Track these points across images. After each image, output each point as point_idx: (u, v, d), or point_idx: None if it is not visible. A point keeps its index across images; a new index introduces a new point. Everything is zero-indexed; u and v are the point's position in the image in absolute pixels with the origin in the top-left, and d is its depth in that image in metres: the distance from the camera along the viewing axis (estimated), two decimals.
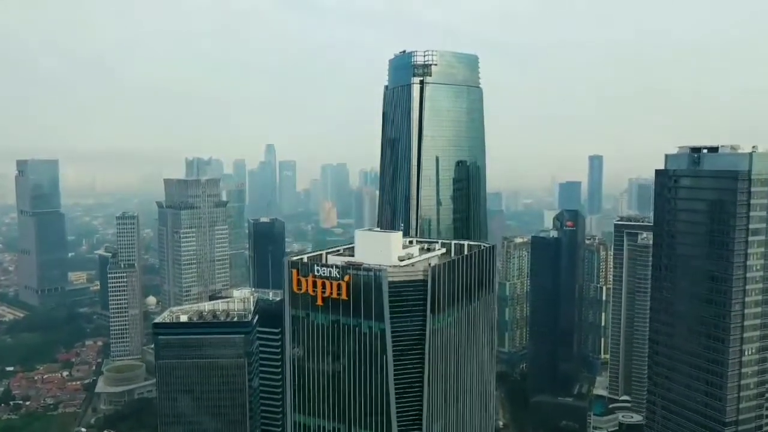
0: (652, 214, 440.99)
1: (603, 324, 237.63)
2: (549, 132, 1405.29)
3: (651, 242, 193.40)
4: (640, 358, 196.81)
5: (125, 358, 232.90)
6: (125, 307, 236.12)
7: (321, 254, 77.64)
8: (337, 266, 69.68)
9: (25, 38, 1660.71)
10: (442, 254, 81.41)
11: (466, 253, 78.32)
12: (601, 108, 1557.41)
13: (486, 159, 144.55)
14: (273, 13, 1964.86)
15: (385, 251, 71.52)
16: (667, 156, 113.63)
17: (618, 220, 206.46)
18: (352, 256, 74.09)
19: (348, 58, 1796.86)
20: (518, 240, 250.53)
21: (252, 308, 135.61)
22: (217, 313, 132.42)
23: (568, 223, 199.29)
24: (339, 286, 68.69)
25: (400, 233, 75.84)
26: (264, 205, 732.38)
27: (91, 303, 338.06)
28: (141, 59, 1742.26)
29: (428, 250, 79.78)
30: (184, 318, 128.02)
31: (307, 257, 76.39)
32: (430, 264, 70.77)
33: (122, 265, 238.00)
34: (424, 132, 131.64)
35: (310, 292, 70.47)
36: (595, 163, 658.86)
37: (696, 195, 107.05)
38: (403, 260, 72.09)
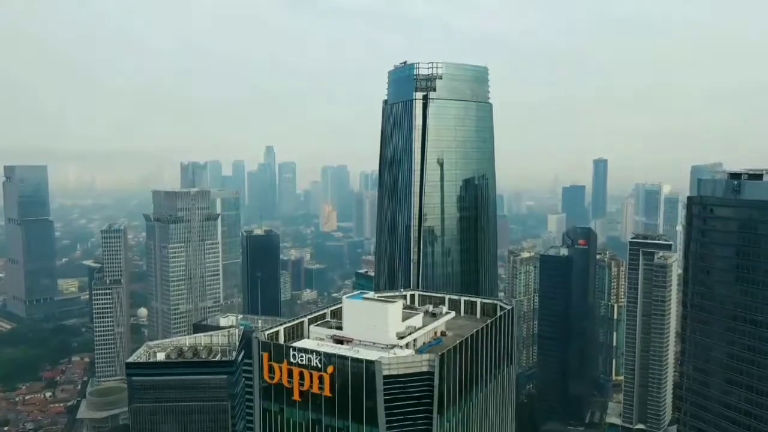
0: (660, 222, 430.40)
1: (614, 344, 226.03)
2: (552, 134, 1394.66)
3: (667, 262, 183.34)
4: (655, 385, 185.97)
5: (110, 379, 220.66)
6: (110, 325, 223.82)
7: (302, 322, 64.07)
8: (317, 352, 54.49)
9: (25, 37, 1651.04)
10: (451, 319, 67.90)
11: (478, 316, 65.43)
12: (604, 110, 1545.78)
13: (496, 179, 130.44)
14: (273, 13, 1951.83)
15: (381, 326, 57.55)
16: (700, 181, 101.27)
17: (633, 237, 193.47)
18: (340, 327, 60.85)
19: (349, 57, 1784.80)
20: (525, 254, 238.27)
21: (237, 342, 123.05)
22: (199, 349, 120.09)
23: (581, 242, 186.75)
24: (321, 379, 53.55)
25: (399, 304, 60.15)
26: (263, 209, 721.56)
27: (80, 314, 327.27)
28: (141, 60, 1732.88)
29: (433, 315, 66.52)
30: (161, 356, 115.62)
31: (285, 329, 62.46)
32: (435, 333, 57.54)
33: (108, 281, 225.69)
34: (428, 154, 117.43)
35: (285, 382, 55.44)
36: (600, 166, 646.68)
37: (735, 227, 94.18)
38: (404, 337, 58.38)
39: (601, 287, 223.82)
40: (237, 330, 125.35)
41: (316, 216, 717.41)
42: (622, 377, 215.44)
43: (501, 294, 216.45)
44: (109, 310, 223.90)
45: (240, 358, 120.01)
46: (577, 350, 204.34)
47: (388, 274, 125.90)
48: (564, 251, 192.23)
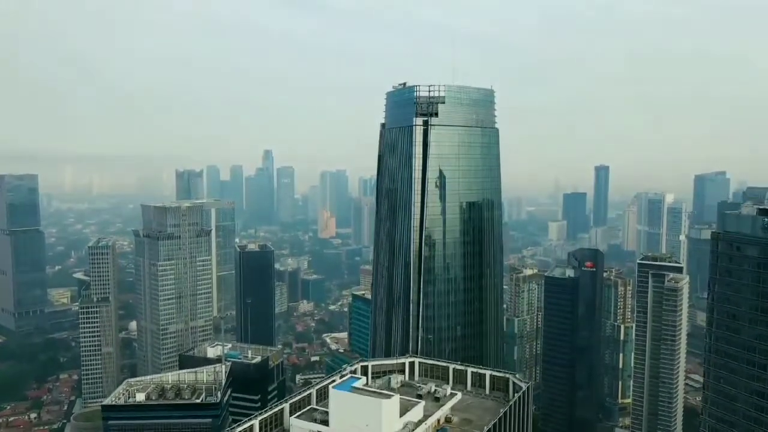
0: (663, 231, 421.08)
1: (621, 366, 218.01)
2: (554, 139, 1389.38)
3: (678, 285, 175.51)
4: (665, 412, 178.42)
5: (97, 401, 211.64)
6: (97, 345, 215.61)
7: (282, 409, 55.37)
8: None
9: (26, 42, 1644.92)
10: (457, 402, 58.45)
11: (488, 391, 56.95)
12: (605, 114, 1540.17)
13: (502, 209, 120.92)
14: (272, 16, 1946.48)
15: (374, 425, 48.06)
16: (725, 215, 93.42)
17: (642, 259, 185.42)
18: (326, 420, 51.50)
19: (349, 60, 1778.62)
20: (528, 272, 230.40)
21: (224, 379, 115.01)
22: (182, 388, 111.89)
23: (588, 264, 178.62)
24: None
25: (396, 398, 50.94)
26: (261, 214, 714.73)
27: (71, 326, 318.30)
28: (141, 63, 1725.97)
29: (436, 398, 57.54)
30: (140, 396, 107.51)
31: (260, 422, 52.69)
32: (439, 422, 48.69)
33: (95, 299, 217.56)
34: (429, 184, 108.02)
35: None
36: (602, 173, 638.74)
37: (765, 268, 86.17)
38: None
39: (607, 307, 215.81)
40: (224, 366, 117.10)
41: (315, 222, 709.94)
42: (628, 400, 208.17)
43: (505, 306, 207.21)
44: (96, 329, 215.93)
45: (226, 398, 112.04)
46: (583, 372, 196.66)
47: (386, 312, 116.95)
48: (570, 272, 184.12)
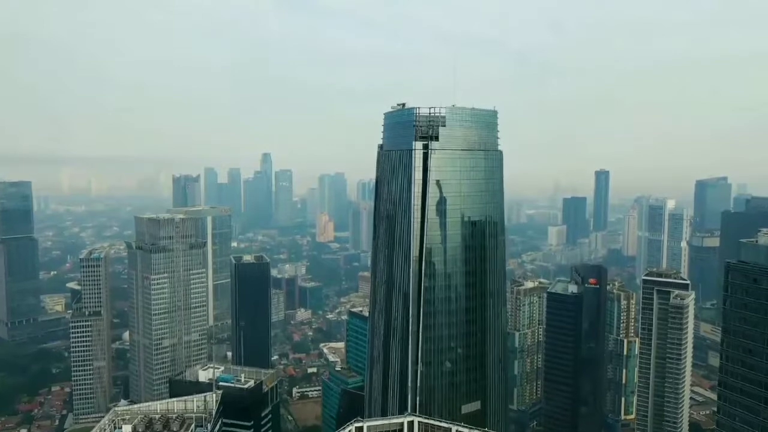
0: (664, 238, 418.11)
1: (624, 381, 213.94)
2: (553, 141, 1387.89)
3: (684, 302, 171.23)
4: (669, 431, 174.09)
5: (89, 416, 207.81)
6: (89, 359, 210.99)
7: None
8: None
9: (24, 43, 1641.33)
10: None
11: None
12: (605, 117, 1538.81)
13: (505, 236, 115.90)
14: (272, 17, 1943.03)
15: None
16: (741, 244, 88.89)
17: (646, 275, 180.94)
18: None
19: (348, 61, 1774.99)
20: (529, 285, 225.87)
21: (214, 409, 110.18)
22: (170, 418, 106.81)
23: (591, 281, 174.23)
24: None
25: None
26: (259, 217, 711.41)
27: (65, 335, 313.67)
28: (139, 64, 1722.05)
29: None
30: (127, 428, 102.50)
31: None
32: None
33: (87, 313, 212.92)
34: (429, 212, 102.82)
35: None
36: (602, 178, 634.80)
37: None
38: None
39: (610, 321, 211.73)
40: (214, 395, 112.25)
41: (313, 225, 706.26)
42: (631, 416, 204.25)
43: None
44: (87, 343, 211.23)
45: (216, 429, 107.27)
46: (585, 388, 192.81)
47: (383, 346, 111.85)
48: (573, 288, 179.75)
